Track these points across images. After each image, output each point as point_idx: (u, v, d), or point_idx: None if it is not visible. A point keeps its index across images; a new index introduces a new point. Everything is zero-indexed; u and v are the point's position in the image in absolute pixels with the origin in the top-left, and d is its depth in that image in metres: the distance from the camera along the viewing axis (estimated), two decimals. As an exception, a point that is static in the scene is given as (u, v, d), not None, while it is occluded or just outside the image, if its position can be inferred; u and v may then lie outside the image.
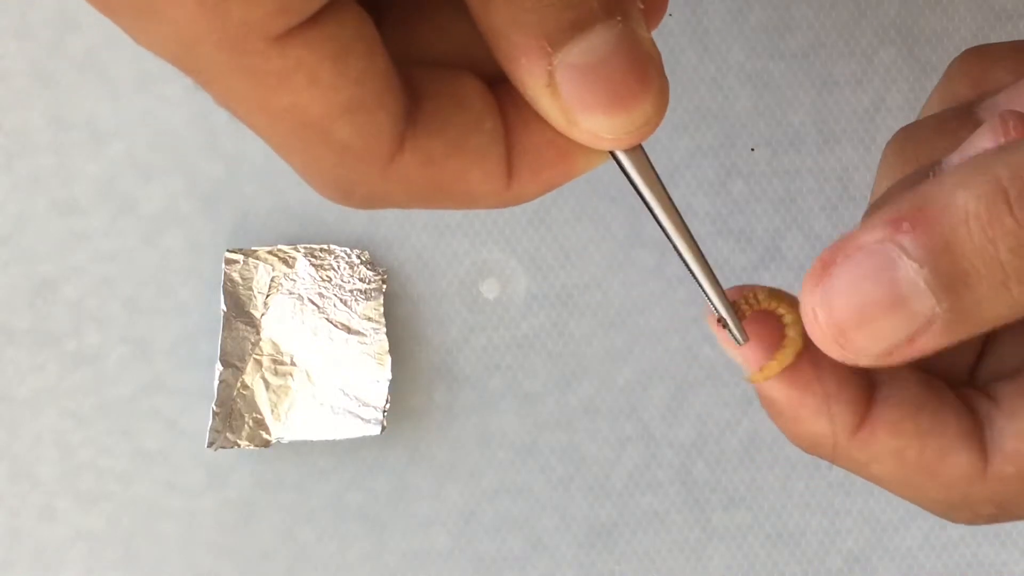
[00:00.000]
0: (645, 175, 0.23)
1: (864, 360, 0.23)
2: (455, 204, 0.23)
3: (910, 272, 0.22)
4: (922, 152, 0.28)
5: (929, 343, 0.22)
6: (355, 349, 0.45)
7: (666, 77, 0.21)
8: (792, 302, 0.26)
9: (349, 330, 0.45)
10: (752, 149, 0.48)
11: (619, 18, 0.21)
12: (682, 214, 0.24)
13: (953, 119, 0.28)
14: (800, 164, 0.48)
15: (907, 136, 0.29)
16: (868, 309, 0.22)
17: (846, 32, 0.48)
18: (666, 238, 0.25)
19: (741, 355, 0.26)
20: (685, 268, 0.25)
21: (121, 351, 0.46)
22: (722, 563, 0.47)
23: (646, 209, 0.24)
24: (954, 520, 0.26)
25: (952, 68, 0.31)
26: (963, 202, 0.21)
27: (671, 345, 0.47)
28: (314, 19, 0.20)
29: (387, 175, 0.22)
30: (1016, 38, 0.48)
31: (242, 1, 0.19)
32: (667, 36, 0.48)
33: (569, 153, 0.23)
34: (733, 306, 0.26)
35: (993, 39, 0.48)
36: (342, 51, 0.20)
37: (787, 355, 0.26)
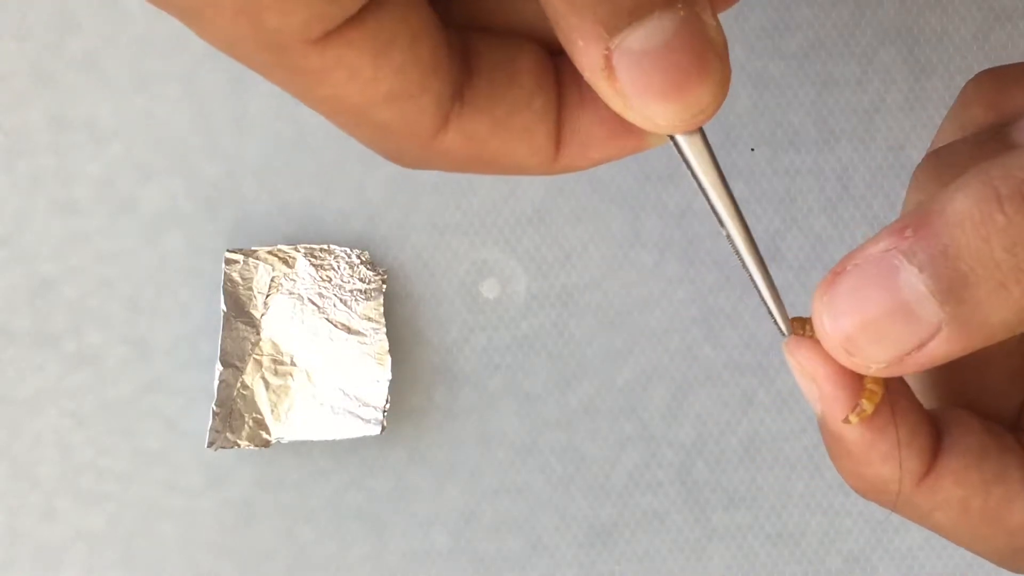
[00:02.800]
0: (702, 161, 0.23)
1: (875, 368, 0.23)
2: (501, 172, 0.23)
3: (911, 278, 0.22)
4: (959, 175, 0.28)
5: (939, 351, 0.22)
6: (355, 349, 0.45)
7: (728, 65, 0.21)
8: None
9: (349, 330, 0.45)
10: (752, 149, 0.48)
11: (680, 5, 0.20)
12: (738, 203, 0.24)
13: (989, 141, 0.28)
14: (800, 164, 0.48)
15: (940, 160, 0.29)
16: (873, 316, 0.22)
17: (846, 32, 0.48)
18: (720, 227, 0.24)
19: (825, 400, 0.25)
20: (737, 258, 0.25)
21: (121, 351, 0.46)
22: (722, 563, 0.47)
23: (702, 196, 0.24)
24: (1018, 570, 0.26)
25: (966, 92, 0.30)
26: (959, 205, 0.22)
27: (671, 345, 0.47)
28: (354, 19, 0.20)
29: (432, 148, 0.22)
30: (1016, 38, 0.48)
31: (277, 9, 0.19)
32: (667, 36, 0.48)
33: (628, 132, 0.23)
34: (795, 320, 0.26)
35: (993, 39, 0.48)
36: (383, 47, 0.20)
37: (873, 400, 0.25)
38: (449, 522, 0.47)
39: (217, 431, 0.44)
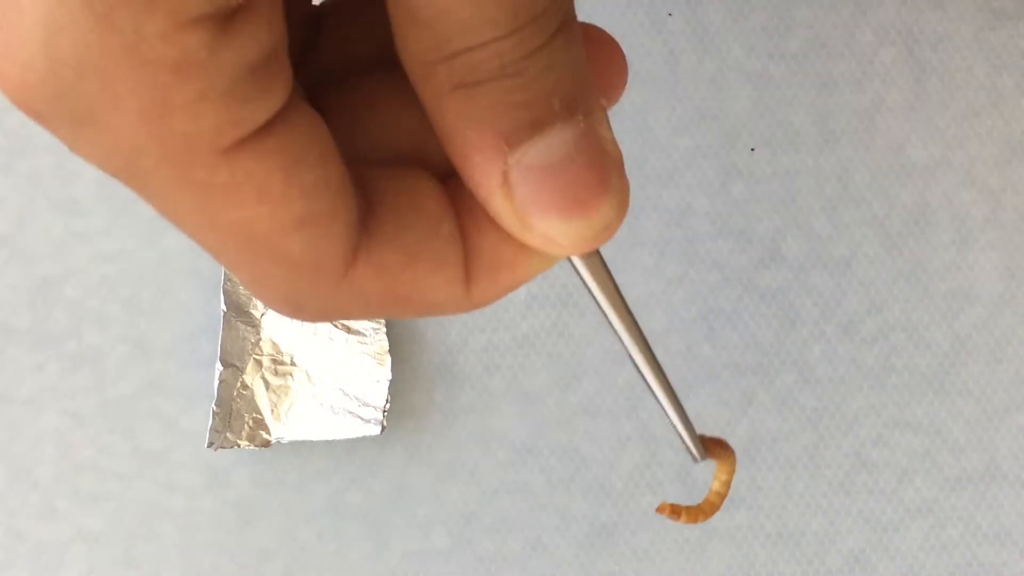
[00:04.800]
0: (600, 280, 0.22)
1: None
2: (414, 314, 0.21)
3: None
4: None
5: None
6: (355, 349, 0.45)
7: (627, 179, 0.20)
8: (731, 469, 0.26)
9: (349, 330, 0.45)
10: (752, 149, 0.48)
11: (580, 117, 0.19)
12: (638, 322, 0.23)
13: None
14: (800, 164, 0.48)
15: None
16: None
17: (846, 32, 0.48)
18: (621, 344, 0.23)
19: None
20: (640, 377, 0.24)
21: (121, 351, 0.46)
22: (722, 563, 0.47)
23: (601, 315, 0.23)
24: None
25: None
26: None
27: (671, 345, 0.47)
28: (266, 128, 0.18)
29: (341, 289, 0.20)
30: (1016, 38, 0.48)
31: (187, 113, 0.17)
32: (667, 36, 0.48)
33: (522, 256, 0.21)
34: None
35: (993, 39, 0.48)
36: (294, 162, 0.19)
37: (698, 517, 0.26)
38: (449, 522, 0.47)
39: (217, 431, 0.44)
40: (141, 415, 0.46)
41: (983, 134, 0.48)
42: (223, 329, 0.45)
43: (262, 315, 0.45)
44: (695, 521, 0.26)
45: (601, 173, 0.20)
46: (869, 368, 0.48)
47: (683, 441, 0.25)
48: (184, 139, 0.18)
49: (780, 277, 0.48)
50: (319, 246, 0.19)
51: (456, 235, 0.21)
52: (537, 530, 0.47)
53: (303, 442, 0.45)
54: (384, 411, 0.45)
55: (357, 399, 0.45)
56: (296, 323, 0.45)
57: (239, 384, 0.45)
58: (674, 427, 0.25)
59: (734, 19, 0.48)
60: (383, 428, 0.45)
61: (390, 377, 0.45)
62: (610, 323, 0.23)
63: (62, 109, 0.18)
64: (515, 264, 0.21)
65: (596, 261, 0.22)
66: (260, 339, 0.45)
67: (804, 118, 0.48)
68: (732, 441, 0.47)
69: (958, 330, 0.48)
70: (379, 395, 0.45)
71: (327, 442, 0.46)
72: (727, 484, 0.26)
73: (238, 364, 0.45)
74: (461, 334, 0.47)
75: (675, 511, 0.26)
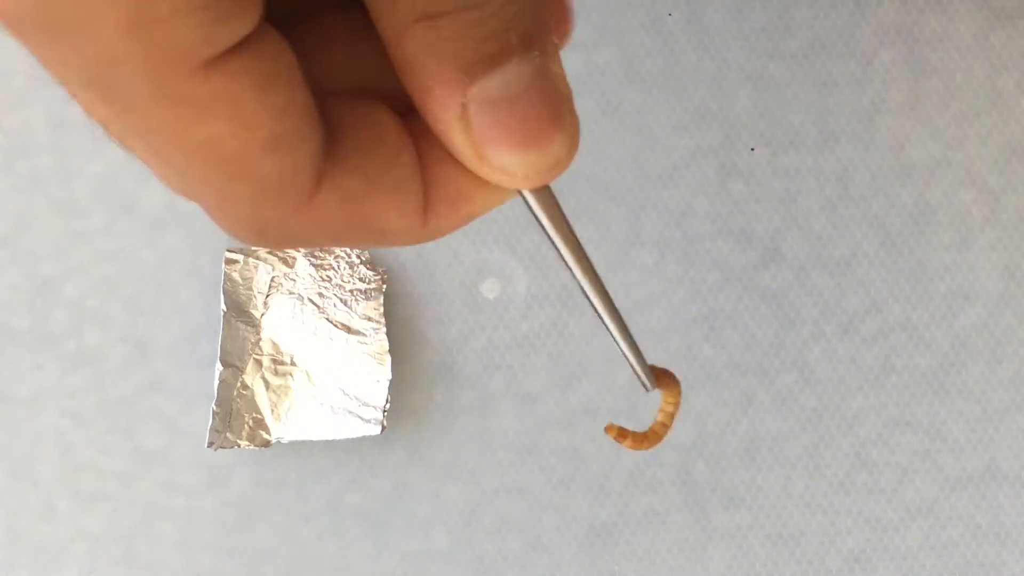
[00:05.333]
0: (552, 216, 0.23)
1: None
2: (371, 242, 0.22)
3: None
4: None
5: None
6: (355, 349, 0.45)
7: (577, 116, 0.21)
8: (676, 400, 0.28)
9: (349, 330, 0.45)
10: (752, 149, 0.48)
11: (537, 53, 0.20)
12: (589, 257, 0.24)
13: None
14: (800, 164, 0.48)
15: None
16: None
17: (846, 32, 0.48)
18: (573, 279, 0.24)
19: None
20: (593, 312, 0.25)
21: (121, 351, 0.46)
22: (722, 563, 0.47)
23: (554, 250, 0.24)
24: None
25: None
26: None
27: (671, 345, 0.47)
28: (238, 48, 0.19)
29: (304, 212, 0.21)
30: (1016, 38, 0.48)
31: (169, 24, 0.18)
32: (667, 36, 0.48)
33: (478, 189, 0.22)
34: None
35: (993, 39, 0.48)
36: (265, 83, 0.19)
37: (643, 444, 0.27)
38: (449, 522, 0.47)
39: (217, 431, 0.44)
40: (141, 415, 0.46)
41: (983, 134, 0.48)
42: (223, 329, 0.45)
43: (262, 315, 0.45)
44: (640, 447, 0.28)
45: (555, 108, 0.20)
46: (869, 368, 0.48)
47: (635, 371, 0.26)
48: (162, 51, 0.18)
49: (780, 277, 0.48)
50: (287, 167, 0.20)
51: (415, 166, 0.22)
52: (537, 530, 0.47)
53: (303, 442, 0.45)
54: (384, 411, 0.45)
55: (357, 399, 0.45)
56: (296, 323, 0.45)
57: (239, 384, 0.45)
58: (626, 358, 0.26)
59: (734, 19, 0.48)
60: (383, 428, 0.45)
61: (390, 377, 0.45)
62: (562, 258, 0.23)
63: (45, 19, 0.18)
64: (471, 197, 0.22)
65: (548, 196, 0.22)
66: (260, 339, 0.45)
67: (804, 118, 0.48)
68: (732, 441, 0.47)
69: (958, 330, 0.48)
70: (379, 395, 0.45)
71: (327, 442, 0.46)
72: (672, 416, 0.27)
73: (238, 364, 0.45)
74: (461, 334, 0.47)
75: (622, 434, 0.28)
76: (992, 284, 0.48)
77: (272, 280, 0.46)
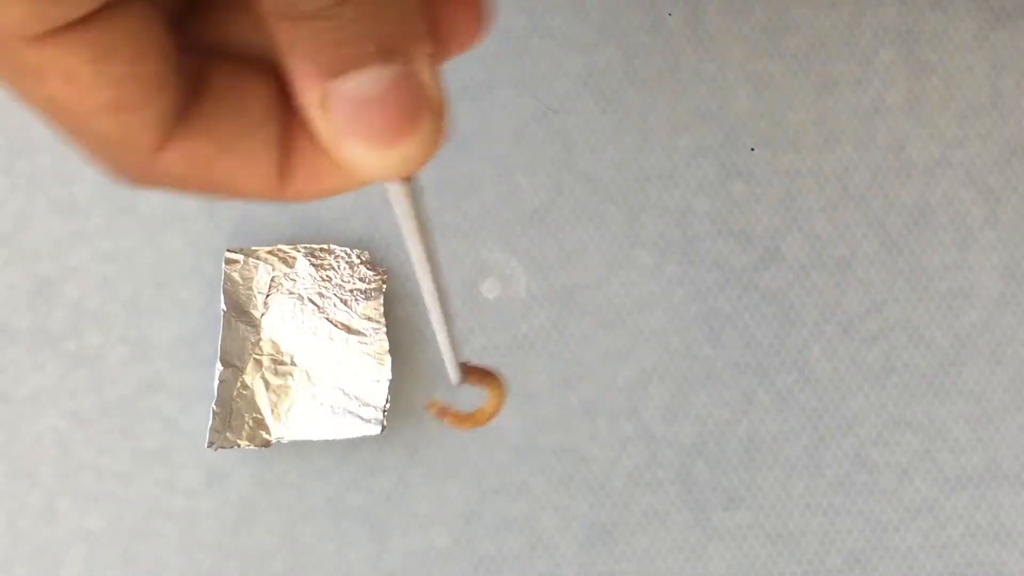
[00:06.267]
0: (404, 209, 0.23)
1: None
2: (224, 195, 0.23)
3: None
4: None
5: None
6: (355, 349, 0.45)
7: (443, 123, 0.22)
8: (500, 392, 0.30)
9: (349, 330, 0.45)
10: (752, 149, 0.48)
11: (400, 62, 0.21)
12: (436, 251, 0.25)
13: None
14: (800, 164, 0.48)
15: None
16: None
17: (846, 32, 0.48)
18: (414, 266, 0.25)
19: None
20: (427, 309, 0.26)
21: (121, 351, 0.46)
22: (722, 563, 0.47)
23: (403, 237, 0.25)
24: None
25: None
26: None
27: (671, 345, 0.47)
28: (77, 23, 0.20)
29: (153, 165, 0.22)
30: (1016, 38, 0.48)
31: (4, 4, 0.19)
32: (667, 36, 0.48)
33: (339, 169, 0.23)
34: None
35: (993, 39, 0.48)
36: (103, 55, 0.21)
37: (464, 424, 0.29)
38: (449, 522, 0.46)
39: (217, 431, 0.44)
40: (141, 415, 0.46)
41: (983, 134, 0.48)
42: (223, 329, 0.45)
43: (262, 315, 0.45)
44: (460, 427, 0.29)
45: (411, 115, 0.21)
46: (869, 368, 0.48)
47: (446, 364, 0.28)
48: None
49: (780, 277, 0.48)
50: (127, 127, 0.22)
51: (273, 137, 0.23)
52: (537, 530, 0.47)
53: (303, 442, 0.45)
54: (384, 411, 0.45)
55: (357, 399, 0.45)
56: (296, 323, 0.45)
57: (239, 384, 0.45)
58: (441, 350, 0.27)
59: (734, 19, 0.48)
60: (383, 428, 0.45)
61: (390, 377, 0.45)
62: (408, 245, 0.24)
63: None
64: (333, 175, 0.24)
65: (407, 188, 0.23)
66: (260, 339, 0.45)
67: (804, 118, 0.48)
68: (732, 441, 0.47)
69: (958, 330, 0.48)
70: (379, 395, 0.45)
71: (327, 442, 0.46)
72: (495, 410, 0.29)
73: (238, 364, 0.45)
74: (461, 333, 0.47)
75: (443, 413, 0.28)
76: (992, 284, 0.48)
77: (272, 280, 0.46)
